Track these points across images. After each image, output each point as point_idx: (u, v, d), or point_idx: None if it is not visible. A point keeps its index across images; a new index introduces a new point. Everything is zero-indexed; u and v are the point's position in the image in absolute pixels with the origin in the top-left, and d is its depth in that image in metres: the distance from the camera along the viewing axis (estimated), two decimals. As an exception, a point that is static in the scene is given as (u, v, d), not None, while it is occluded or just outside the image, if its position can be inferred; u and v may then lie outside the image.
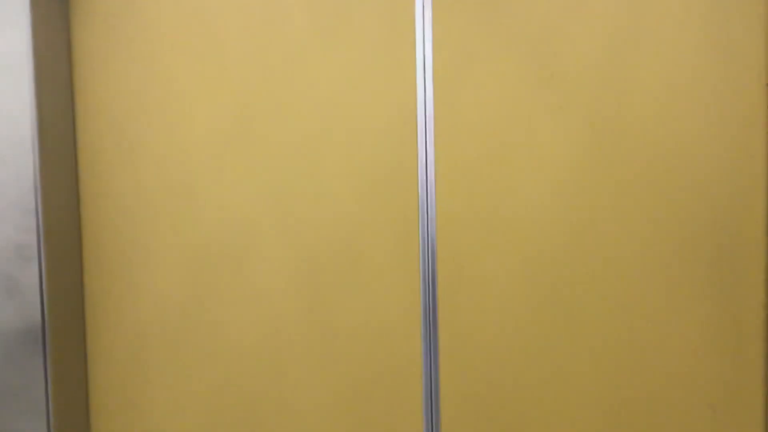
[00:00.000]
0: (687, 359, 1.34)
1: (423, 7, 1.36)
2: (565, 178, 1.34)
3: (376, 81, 1.36)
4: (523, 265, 1.34)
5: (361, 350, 1.38)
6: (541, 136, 1.34)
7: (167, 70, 1.37)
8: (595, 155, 1.33)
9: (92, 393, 1.39)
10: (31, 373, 1.20)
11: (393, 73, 1.36)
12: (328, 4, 1.37)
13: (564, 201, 1.33)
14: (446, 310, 1.36)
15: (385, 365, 1.37)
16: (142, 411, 1.41)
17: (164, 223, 1.38)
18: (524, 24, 1.35)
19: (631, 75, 1.33)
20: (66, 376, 1.26)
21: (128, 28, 1.37)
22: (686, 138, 1.33)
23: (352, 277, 1.36)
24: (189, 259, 1.38)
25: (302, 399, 1.39)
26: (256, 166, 1.37)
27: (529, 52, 1.35)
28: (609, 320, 1.34)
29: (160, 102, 1.37)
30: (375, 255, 1.36)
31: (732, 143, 1.33)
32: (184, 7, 1.38)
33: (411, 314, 1.36)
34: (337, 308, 1.37)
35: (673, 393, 1.34)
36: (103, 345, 1.39)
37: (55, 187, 1.22)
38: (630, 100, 1.33)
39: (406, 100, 1.35)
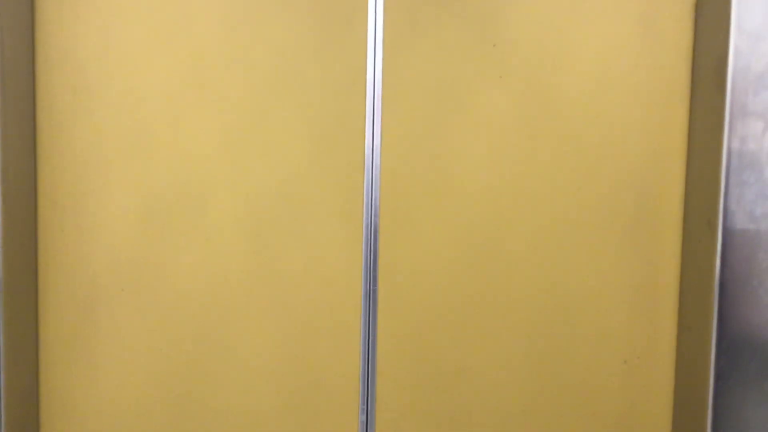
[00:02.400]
0: (605, 316, 1.41)
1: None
2: (503, 142, 1.40)
3: (328, 41, 1.40)
4: (461, 221, 1.41)
5: (304, 296, 1.44)
6: (483, 101, 1.40)
7: (128, 18, 1.40)
8: (531, 122, 1.40)
9: (42, 342, 1.43)
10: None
11: (345, 35, 1.40)
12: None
13: (501, 163, 1.40)
14: (386, 260, 1.42)
15: (327, 311, 1.43)
16: (92, 359, 1.46)
17: (118, 171, 1.42)
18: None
19: (568, 49, 1.39)
20: (17, 323, 1.30)
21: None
22: (614, 106, 1.39)
23: (297, 227, 1.41)
24: (142, 207, 1.42)
25: (247, 343, 1.45)
26: (208, 117, 1.41)
27: (474, 22, 1.40)
28: (537, 276, 1.41)
29: (119, 49, 1.40)
30: (321, 207, 1.42)
31: (654, 111, 1.40)
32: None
33: (353, 263, 1.42)
34: (283, 256, 1.42)
35: (590, 348, 1.42)
36: (55, 292, 1.43)
37: (12, 130, 1.26)
38: (565, 72, 1.40)
39: (357, 63, 1.40)
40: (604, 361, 1.42)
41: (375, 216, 1.41)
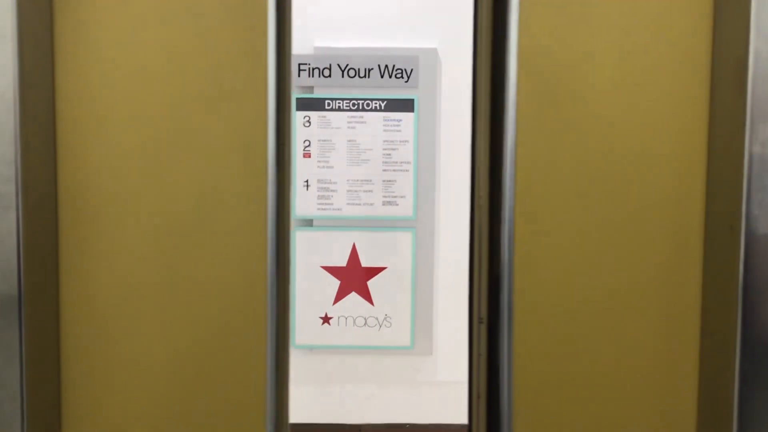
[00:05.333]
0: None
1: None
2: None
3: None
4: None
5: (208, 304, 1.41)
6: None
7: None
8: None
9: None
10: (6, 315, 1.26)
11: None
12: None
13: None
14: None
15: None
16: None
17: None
18: None
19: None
20: (38, 330, 1.32)
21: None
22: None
23: (205, 240, 1.39)
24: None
25: (155, 350, 1.42)
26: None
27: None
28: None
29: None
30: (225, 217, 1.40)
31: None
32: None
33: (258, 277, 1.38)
34: (192, 268, 1.40)
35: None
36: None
37: (34, 139, 1.28)
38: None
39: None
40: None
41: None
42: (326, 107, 2.76)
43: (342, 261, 2.81)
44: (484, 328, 1.32)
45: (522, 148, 1.30)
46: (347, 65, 2.75)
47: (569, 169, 1.38)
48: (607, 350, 1.43)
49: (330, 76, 2.75)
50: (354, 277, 2.82)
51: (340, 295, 2.83)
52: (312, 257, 2.83)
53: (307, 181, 2.80)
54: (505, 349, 1.28)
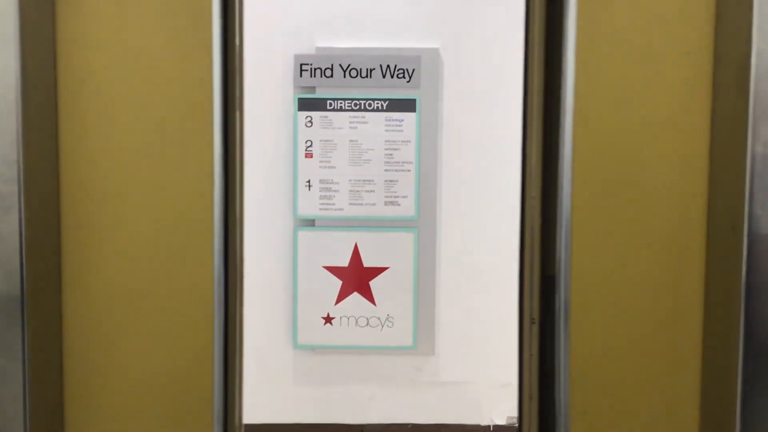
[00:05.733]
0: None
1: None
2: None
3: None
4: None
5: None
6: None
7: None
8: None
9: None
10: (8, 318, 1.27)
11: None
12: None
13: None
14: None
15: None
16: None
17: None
18: None
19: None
20: (41, 330, 1.32)
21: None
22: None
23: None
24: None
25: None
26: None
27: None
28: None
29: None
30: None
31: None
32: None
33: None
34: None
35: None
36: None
37: (36, 140, 1.28)
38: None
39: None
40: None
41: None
42: (328, 107, 2.76)
43: (344, 261, 2.81)
44: (536, 328, 1.32)
45: (580, 147, 1.29)
46: (349, 65, 2.75)
47: (618, 170, 1.37)
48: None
49: (332, 76, 2.75)
50: (356, 277, 2.82)
51: (342, 295, 2.83)
52: (314, 257, 2.83)
53: (308, 181, 2.80)
54: (561, 350, 1.28)
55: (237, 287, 1.41)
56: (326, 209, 2.83)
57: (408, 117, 2.74)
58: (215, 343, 1.37)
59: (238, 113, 1.37)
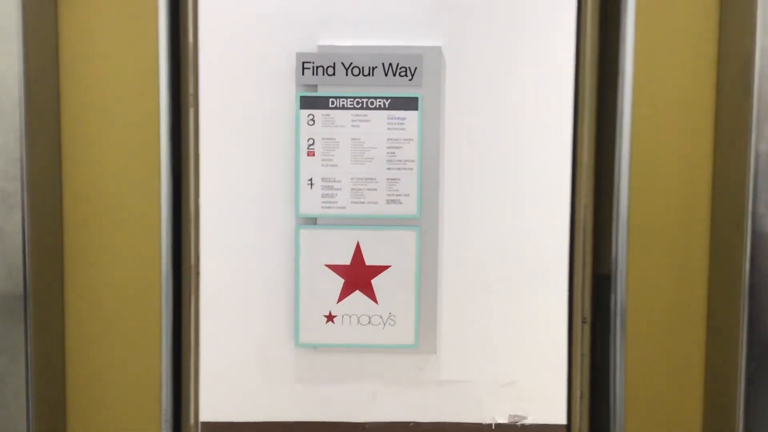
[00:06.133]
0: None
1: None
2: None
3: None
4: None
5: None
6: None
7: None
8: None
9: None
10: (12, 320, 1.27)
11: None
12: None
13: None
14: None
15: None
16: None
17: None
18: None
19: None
20: (45, 329, 1.32)
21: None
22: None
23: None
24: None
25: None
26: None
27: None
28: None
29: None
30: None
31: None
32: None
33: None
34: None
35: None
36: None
37: (39, 137, 1.28)
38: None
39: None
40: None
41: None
42: (330, 105, 2.76)
43: (346, 259, 2.81)
44: (587, 327, 1.31)
45: (637, 146, 1.28)
46: (351, 63, 2.74)
47: (673, 169, 1.36)
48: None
49: (334, 74, 2.74)
50: (358, 276, 2.82)
51: (344, 294, 2.83)
52: (316, 255, 2.83)
53: (310, 180, 2.80)
54: (617, 350, 1.27)
55: (191, 286, 1.40)
56: (328, 207, 2.83)
57: (410, 115, 2.74)
58: (163, 342, 1.37)
59: (192, 110, 1.35)
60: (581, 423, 1.33)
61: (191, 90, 1.35)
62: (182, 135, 1.37)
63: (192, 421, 1.42)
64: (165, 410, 1.39)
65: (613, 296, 1.30)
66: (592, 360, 1.34)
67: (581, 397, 1.34)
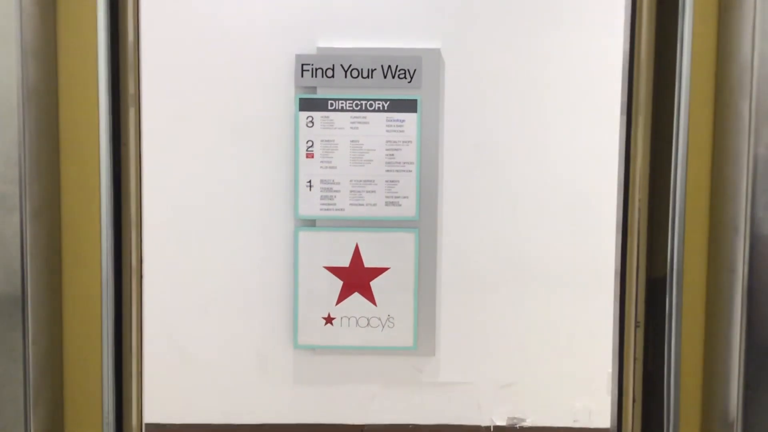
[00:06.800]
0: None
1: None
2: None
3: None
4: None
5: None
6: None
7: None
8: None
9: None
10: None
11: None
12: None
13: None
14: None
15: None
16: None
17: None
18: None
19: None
20: (42, 325, 1.32)
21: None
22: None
23: None
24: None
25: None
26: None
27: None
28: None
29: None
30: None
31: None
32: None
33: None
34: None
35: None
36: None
37: (38, 140, 1.28)
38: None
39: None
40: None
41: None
42: (329, 107, 2.76)
43: (345, 261, 2.81)
44: (640, 331, 1.30)
45: (693, 148, 1.26)
46: (350, 65, 2.75)
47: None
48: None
49: (333, 76, 2.74)
50: (357, 278, 2.82)
51: (342, 296, 2.83)
52: (315, 257, 2.83)
53: (309, 182, 2.80)
54: (672, 354, 1.26)
55: (133, 288, 1.39)
56: (327, 209, 2.83)
57: (409, 117, 2.75)
58: (104, 345, 1.36)
59: (133, 110, 1.34)
60: (633, 428, 1.32)
61: (131, 90, 1.33)
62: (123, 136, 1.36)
63: (134, 422, 1.42)
64: (106, 413, 1.39)
65: (668, 299, 1.29)
66: (644, 364, 1.33)
67: (634, 402, 1.33)
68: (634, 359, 1.37)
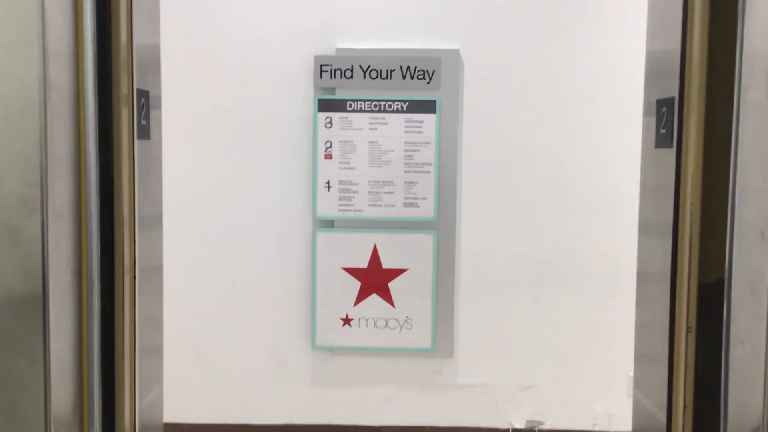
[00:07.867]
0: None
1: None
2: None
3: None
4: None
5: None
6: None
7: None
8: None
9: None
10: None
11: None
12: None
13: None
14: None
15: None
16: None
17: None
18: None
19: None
20: (62, 326, 1.33)
21: None
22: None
23: None
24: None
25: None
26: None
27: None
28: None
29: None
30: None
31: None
32: None
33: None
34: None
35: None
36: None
37: (59, 143, 1.29)
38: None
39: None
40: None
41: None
42: (348, 108, 2.76)
43: (363, 262, 2.81)
44: (692, 337, 1.28)
45: (749, 151, 1.23)
46: (369, 66, 2.74)
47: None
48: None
49: (352, 77, 2.74)
50: (375, 279, 2.81)
51: (361, 297, 2.83)
52: (333, 258, 2.83)
53: (328, 182, 2.80)
54: (729, 359, 1.24)
55: (126, 287, 1.38)
56: (345, 210, 2.83)
57: (428, 118, 2.74)
58: (92, 345, 1.36)
59: (126, 111, 1.34)
60: None
61: (124, 91, 1.32)
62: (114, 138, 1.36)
63: (127, 422, 1.41)
64: (95, 414, 1.39)
65: (725, 304, 1.26)
66: (696, 368, 1.31)
67: (685, 408, 1.31)
68: (686, 364, 1.34)
